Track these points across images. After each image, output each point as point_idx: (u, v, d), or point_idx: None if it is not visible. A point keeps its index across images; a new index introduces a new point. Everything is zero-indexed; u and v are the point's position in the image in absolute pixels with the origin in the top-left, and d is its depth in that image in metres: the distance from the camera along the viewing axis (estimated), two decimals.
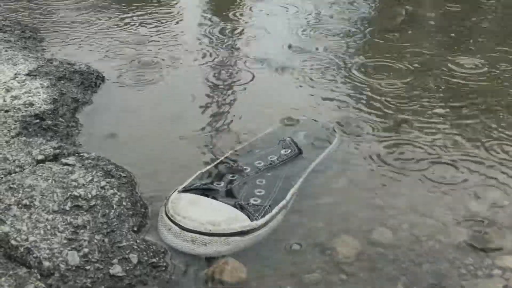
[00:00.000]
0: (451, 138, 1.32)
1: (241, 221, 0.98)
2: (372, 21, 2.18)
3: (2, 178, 1.06)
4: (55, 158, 1.14)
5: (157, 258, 0.93)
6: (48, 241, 0.91)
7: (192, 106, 1.48)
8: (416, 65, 1.72)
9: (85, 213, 0.98)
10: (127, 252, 0.92)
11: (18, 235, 0.91)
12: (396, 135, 1.34)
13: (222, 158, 1.18)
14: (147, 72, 1.66)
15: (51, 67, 1.56)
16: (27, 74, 1.49)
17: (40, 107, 1.33)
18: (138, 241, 0.95)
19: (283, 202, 1.05)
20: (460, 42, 1.93)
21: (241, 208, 1.00)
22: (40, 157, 1.13)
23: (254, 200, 1.02)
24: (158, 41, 1.91)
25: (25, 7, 2.20)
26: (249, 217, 0.98)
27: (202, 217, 0.97)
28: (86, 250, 0.90)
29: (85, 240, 0.92)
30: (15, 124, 1.24)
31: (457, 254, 0.97)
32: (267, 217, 1.00)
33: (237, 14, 2.21)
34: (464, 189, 1.14)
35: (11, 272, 0.86)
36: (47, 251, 0.89)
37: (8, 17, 2.06)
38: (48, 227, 0.94)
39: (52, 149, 1.16)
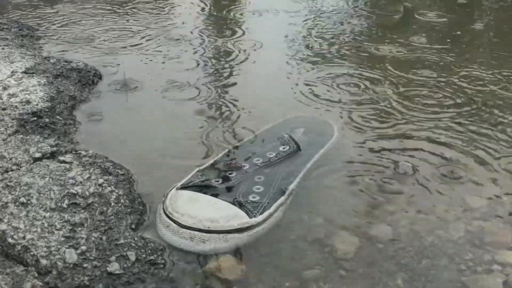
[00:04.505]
0: (451, 134, 1.32)
1: (239, 218, 0.97)
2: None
3: None
4: (52, 155, 1.13)
5: (155, 256, 0.92)
6: (46, 239, 0.90)
7: (190, 104, 1.48)
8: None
9: (82, 210, 0.98)
10: (125, 249, 0.91)
11: (15, 233, 0.91)
12: (395, 130, 1.34)
13: (221, 155, 1.18)
14: (146, 69, 1.66)
15: (48, 64, 1.55)
16: (24, 72, 1.48)
17: (37, 104, 1.32)
18: (136, 238, 0.95)
19: (282, 199, 1.05)
20: None
21: (240, 205, 0.99)
22: (37, 154, 1.12)
23: (253, 197, 1.02)
24: (157, 39, 1.91)
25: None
26: (247, 214, 0.98)
27: (200, 214, 0.96)
28: (83, 247, 0.89)
29: (82, 238, 0.91)
30: (12, 122, 1.23)
31: (457, 250, 0.97)
32: (265, 214, 1.00)
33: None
34: (462, 185, 1.14)
35: (8, 271, 0.85)
36: (45, 249, 0.88)
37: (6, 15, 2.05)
38: (46, 225, 0.93)
39: (49, 147, 1.15)
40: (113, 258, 0.89)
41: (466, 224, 1.03)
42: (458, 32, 2.00)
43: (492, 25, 2.11)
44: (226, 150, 1.20)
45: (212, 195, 1.01)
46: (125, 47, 1.83)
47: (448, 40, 1.92)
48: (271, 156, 1.16)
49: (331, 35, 1.99)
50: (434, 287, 0.90)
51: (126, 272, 0.88)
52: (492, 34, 2.03)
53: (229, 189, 1.03)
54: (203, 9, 2.26)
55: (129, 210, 1.01)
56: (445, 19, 2.10)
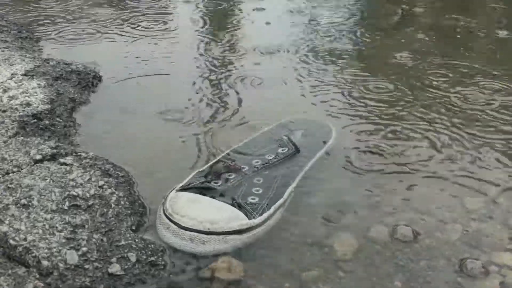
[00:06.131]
0: (449, 135, 1.33)
1: (239, 219, 0.98)
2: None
3: (0, 178, 1.06)
4: (52, 157, 1.14)
5: (155, 257, 0.93)
6: (47, 241, 0.91)
7: (189, 106, 1.48)
8: None
9: (83, 212, 0.98)
10: (125, 251, 0.92)
11: (17, 235, 0.91)
12: (392, 131, 1.35)
13: (220, 157, 1.19)
14: (146, 72, 1.66)
15: (48, 67, 1.56)
16: (24, 74, 1.49)
17: (37, 107, 1.33)
18: (136, 240, 0.95)
19: (281, 200, 1.06)
20: None
21: (239, 206, 1.00)
22: (38, 156, 1.13)
23: (252, 199, 1.03)
24: (156, 36, 1.91)
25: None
26: (247, 216, 0.99)
27: (200, 215, 0.97)
28: (84, 249, 0.90)
29: (83, 239, 0.92)
30: (12, 124, 1.24)
31: (454, 251, 0.98)
32: (265, 215, 1.01)
33: None
34: (460, 187, 1.15)
35: (10, 272, 0.86)
36: (46, 250, 0.89)
37: (5, 17, 2.06)
38: (47, 226, 0.94)
39: (49, 149, 1.16)
40: (114, 259, 0.90)
41: (464, 225, 1.04)
42: None
43: None
44: (225, 152, 1.21)
45: (212, 196, 1.02)
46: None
47: None
48: (269, 158, 1.16)
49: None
50: None
51: (127, 273, 0.89)
52: None
53: (228, 190, 1.04)
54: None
55: (129, 211, 1.02)
56: None
